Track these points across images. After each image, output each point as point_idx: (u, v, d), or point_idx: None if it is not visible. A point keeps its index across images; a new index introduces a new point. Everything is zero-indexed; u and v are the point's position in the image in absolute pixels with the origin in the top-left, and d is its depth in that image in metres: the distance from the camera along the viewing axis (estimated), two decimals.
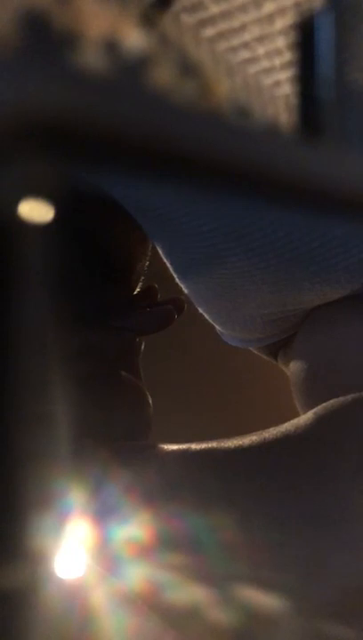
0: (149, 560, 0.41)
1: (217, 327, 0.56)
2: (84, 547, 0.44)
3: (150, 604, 0.43)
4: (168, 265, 0.52)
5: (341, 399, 0.43)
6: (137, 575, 0.42)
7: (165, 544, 0.41)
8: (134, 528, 0.41)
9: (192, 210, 0.47)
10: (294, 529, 0.40)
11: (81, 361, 0.50)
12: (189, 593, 0.41)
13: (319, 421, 0.43)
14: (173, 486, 0.43)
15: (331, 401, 0.44)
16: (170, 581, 0.41)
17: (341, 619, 0.41)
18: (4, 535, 0.32)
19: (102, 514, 0.42)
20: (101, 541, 0.42)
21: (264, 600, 0.40)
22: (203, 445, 0.44)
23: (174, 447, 0.45)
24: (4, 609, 0.32)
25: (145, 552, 0.41)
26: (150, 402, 0.54)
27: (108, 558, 0.43)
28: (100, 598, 0.44)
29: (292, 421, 0.43)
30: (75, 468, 0.41)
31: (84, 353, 0.51)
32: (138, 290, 0.57)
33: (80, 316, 0.51)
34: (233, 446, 0.43)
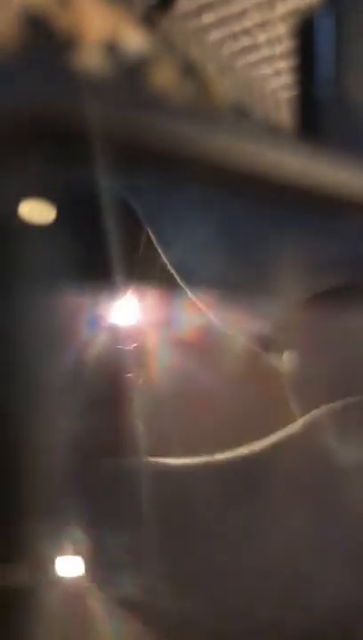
0: (145, 567, 0.41)
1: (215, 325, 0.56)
2: (80, 552, 0.44)
3: (146, 612, 0.43)
4: (167, 263, 0.52)
5: (331, 406, 0.44)
6: (133, 582, 0.42)
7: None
8: (131, 534, 0.41)
9: (191, 209, 0.47)
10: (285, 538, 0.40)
11: (85, 363, 0.50)
12: (184, 601, 0.41)
13: (310, 430, 0.43)
14: (168, 495, 0.43)
15: (322, 408, 0.44)
16: (166, 589, 0.41)
17: None
18: (5, 537, 0.32)
19: (100, 519, 0.42)
20: (98, 547, 0.42)
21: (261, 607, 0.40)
22: (195, 459, 0.44)
23: (170, 459, 0.45)
24: (4, 610, 0.32)
25: (141, 559, 0.41)
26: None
27: (104, 565, 0.43)
28: (100, 601, 0.44)
29: (282, 430, 0.44)
30: (76, 470, 0.41)
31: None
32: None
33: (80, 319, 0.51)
34: (224, 458, 0.43)
